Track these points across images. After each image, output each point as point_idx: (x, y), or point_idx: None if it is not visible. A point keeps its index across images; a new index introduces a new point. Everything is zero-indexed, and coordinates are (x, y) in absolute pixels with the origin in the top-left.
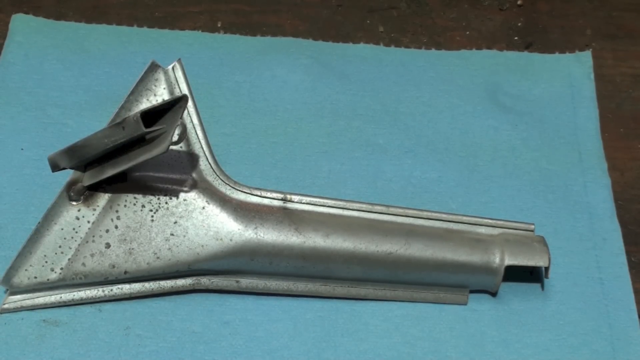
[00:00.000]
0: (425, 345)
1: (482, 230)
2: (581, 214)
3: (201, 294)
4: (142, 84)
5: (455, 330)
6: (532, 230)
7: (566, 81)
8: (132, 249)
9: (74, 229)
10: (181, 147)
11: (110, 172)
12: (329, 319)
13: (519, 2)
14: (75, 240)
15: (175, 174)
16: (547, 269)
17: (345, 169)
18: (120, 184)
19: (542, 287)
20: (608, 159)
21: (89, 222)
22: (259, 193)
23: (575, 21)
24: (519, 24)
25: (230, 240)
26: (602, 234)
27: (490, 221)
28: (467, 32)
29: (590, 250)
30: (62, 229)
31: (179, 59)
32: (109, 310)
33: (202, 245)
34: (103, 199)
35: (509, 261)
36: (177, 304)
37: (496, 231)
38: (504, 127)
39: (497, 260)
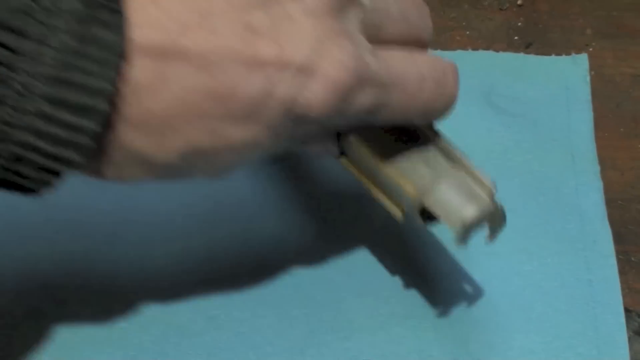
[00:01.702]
0: (409, 344)
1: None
2: (572, 216)
3: (186, 288)
4: None
5: (439, 330)
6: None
7: (561, 83)
8: None
9: None
10: None
11: None
12: (314, 316)
13: (519, 2)
14: None
15: None
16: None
17: None
18: None
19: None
20: (608, 159)
21: None
22: None
23: (575, 21)
24: (519, 24)
25: None
26: (593, 236)
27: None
28: (467, 32)
29: (580, 252)
30: None
31: None
32: None
33: None
34: None
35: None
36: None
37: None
38: (497, 129)
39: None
